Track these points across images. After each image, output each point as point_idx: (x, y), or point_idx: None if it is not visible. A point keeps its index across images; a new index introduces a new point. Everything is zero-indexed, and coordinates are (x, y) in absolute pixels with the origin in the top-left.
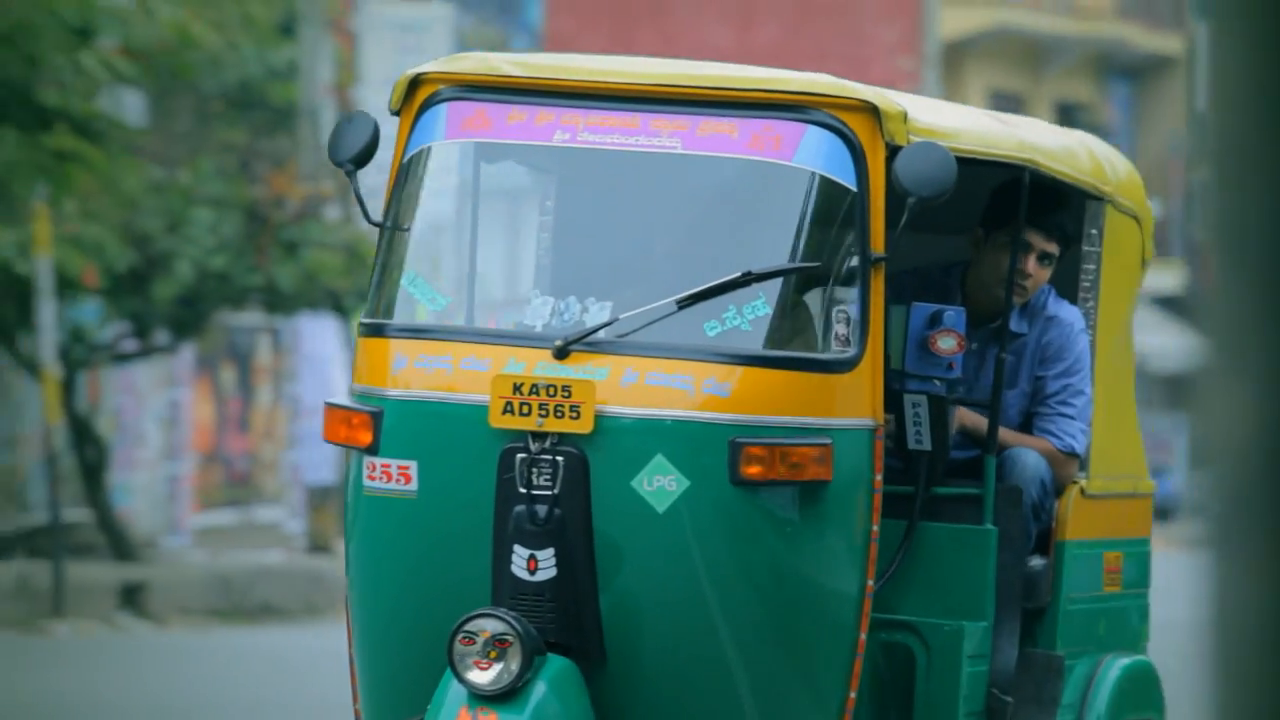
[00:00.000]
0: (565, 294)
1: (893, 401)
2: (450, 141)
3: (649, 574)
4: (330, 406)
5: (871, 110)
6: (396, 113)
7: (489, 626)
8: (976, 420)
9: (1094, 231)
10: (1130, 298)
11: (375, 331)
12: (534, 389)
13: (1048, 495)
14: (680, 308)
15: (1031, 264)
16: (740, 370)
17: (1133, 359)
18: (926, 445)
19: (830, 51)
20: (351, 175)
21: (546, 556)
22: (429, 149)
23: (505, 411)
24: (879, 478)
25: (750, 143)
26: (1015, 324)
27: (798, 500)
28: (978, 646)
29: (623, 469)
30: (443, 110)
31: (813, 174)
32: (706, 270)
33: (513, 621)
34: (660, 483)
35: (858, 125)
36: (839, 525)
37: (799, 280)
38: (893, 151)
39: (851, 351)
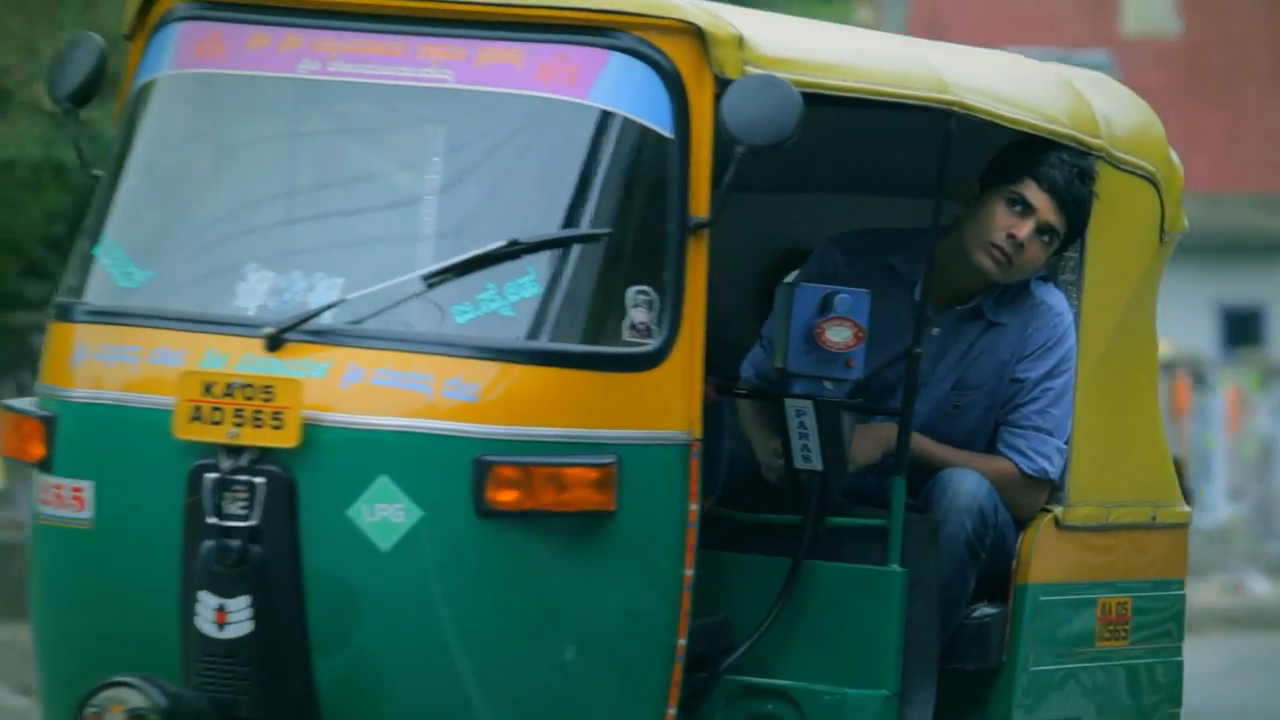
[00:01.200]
0: (289, 268)
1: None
2: (177, 73)
3: (376, 629)
4: (4, 410)
5: (695, 33)
6: (129, 37)
7: (125, 698)
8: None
9: None
10: (1137, 279)
11: (62, 314)
12: (228, 390)
13: (991, 529)
14: (429, 286)
15: (1027, 230)
16: (493, 367)
17: (1149, 355)
18: (816, 464)
19: None
20: (70, 115)
21: (240, 607)
22: (153, 83)
23: (193, 419)
24: (694, 508)
25: (538, 74)
26: (991, 309)
27: (570, 537)
28: None
29: (338, 495)
30: (174, 33)
31: (613, 115)
32: (475, 240)
33: (159, 692)
34: (385, 512)
35: (677, 53)
36: (632, 570)
37: (587, 252)
38: (724, 87)
39: (653, 343)
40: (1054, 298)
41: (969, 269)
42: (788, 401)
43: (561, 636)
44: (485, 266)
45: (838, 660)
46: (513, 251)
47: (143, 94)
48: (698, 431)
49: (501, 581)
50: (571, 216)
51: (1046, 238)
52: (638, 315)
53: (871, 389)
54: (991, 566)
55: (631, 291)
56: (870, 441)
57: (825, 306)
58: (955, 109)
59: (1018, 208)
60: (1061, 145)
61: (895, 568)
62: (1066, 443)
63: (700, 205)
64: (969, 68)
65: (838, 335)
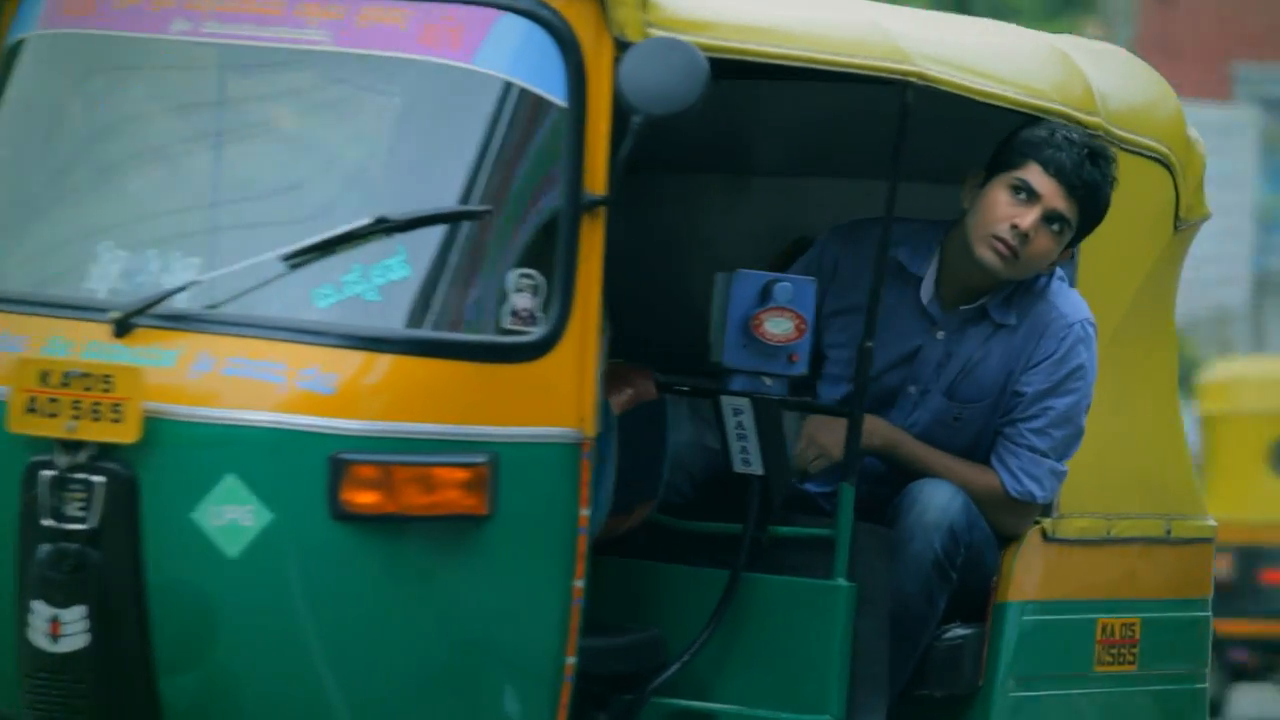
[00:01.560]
0: (144, 247)
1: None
2: (43, 33)
3: (227, 644)
4: None
5: None
6: None
7: None
8: (894, 440)
9: None
10: (1145, 270)
11: None
12: (64, 379)
13: (964, 547)
14: (291, 267)
15: (1031, 219)
16: (353, 356)
17: (1164, 355)
18: (756, 468)
19: None
20: None
21: (75, 618)
22: (21, 43)
23: (29, 410)
24: (585, 513)
25: (422, 37)
26: (999, 311)
27: (438, 543)
28: None
29: (182, 495)
30: None
31: (499, 81)
32: (345, 217)
33: None
34: (233, 515)
35: (573, 13)
36: (511, 581)
37: (464, 231)
38: (625, 51)
39: (536, 333)
40: (1069, 304)
41: (974, 265)
42: (723, 400)
43: (432, 654)
44: (353, 246)
45: (777, 682)
46: (381, 230)
47: (9, 56)
48: (590, 430)
49: (361, 592)
50: (450, 192)
51: (1056, 227)
52: (520, 301)
53: (873, 394)
54: (971, 584)
55: (513, 275)
56: (841, 438)
57: (765, 296)
58: (912, 80)
59: (1022, 195)
60: (1069, 125)
61: (841, 582)
62: (1064, 468)
63: (597, 181)
64: (935, 35)
65: (777, 327)
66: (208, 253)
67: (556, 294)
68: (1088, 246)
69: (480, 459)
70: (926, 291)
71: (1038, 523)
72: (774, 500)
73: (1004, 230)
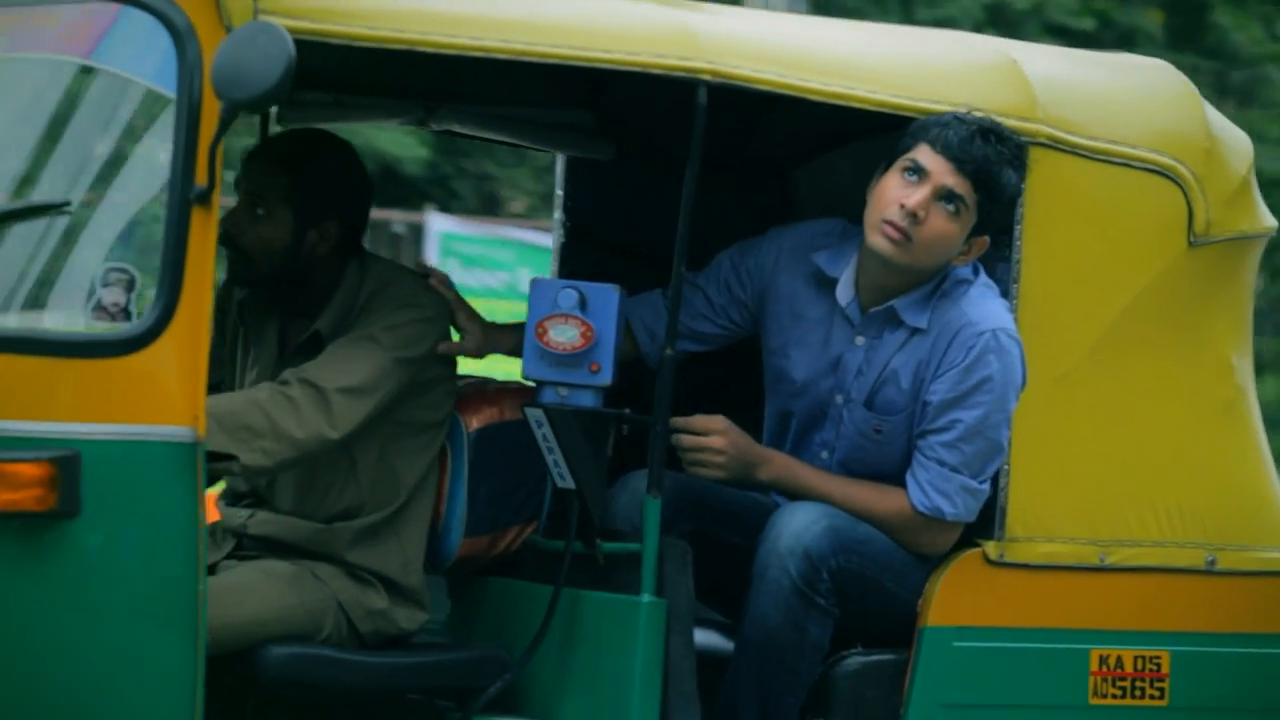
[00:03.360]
0: None
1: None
2: None
3: None
4: None
5: None
6: None
7: None
8: (787, 473)
9: None
10: (1140, 283)
11: None
12: None
13: (830, 572)
14: None
15: (919, 197)
16: None
17: (1203, 371)
18: (569, 482)
19: None
20: None
21: None
22: None
23: None
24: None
25: (62, 35)
26: (910, 313)
27: (15, 543)
28: None
29: None
30: None
31: (105, 73)
32: None
33: None
34: None
35: (191, 5)
36: (107, 583)
37: (47, 226)
38: None
39: (131, 327)
40: (982, 311)
41: (876, 263)
42: (527, 412)
43: (23, 659)
44: None
45: (591, 699)
46: None
47: None
48: (204, 430)
49: None
50: (53, 187)
51: (952, 207)
52: (109, 295)
53: (804, 405)
54: (874, 609)
55: (103, 269)
56: (739, 461)
57: (553, 304)
58: (703, 78)
59: (913, 176)
60: (966, 112)
61: (645, 597)
62: (984, 484)
63: (204, 172)
64: (767, 30)
65: (561, 335)
66: None
67: (161, 287)
68: (1033, 254)
69: (54, 454)
70: (844, 294)
71: (977, 545)
72: (593, 514)
73: (893, 212)
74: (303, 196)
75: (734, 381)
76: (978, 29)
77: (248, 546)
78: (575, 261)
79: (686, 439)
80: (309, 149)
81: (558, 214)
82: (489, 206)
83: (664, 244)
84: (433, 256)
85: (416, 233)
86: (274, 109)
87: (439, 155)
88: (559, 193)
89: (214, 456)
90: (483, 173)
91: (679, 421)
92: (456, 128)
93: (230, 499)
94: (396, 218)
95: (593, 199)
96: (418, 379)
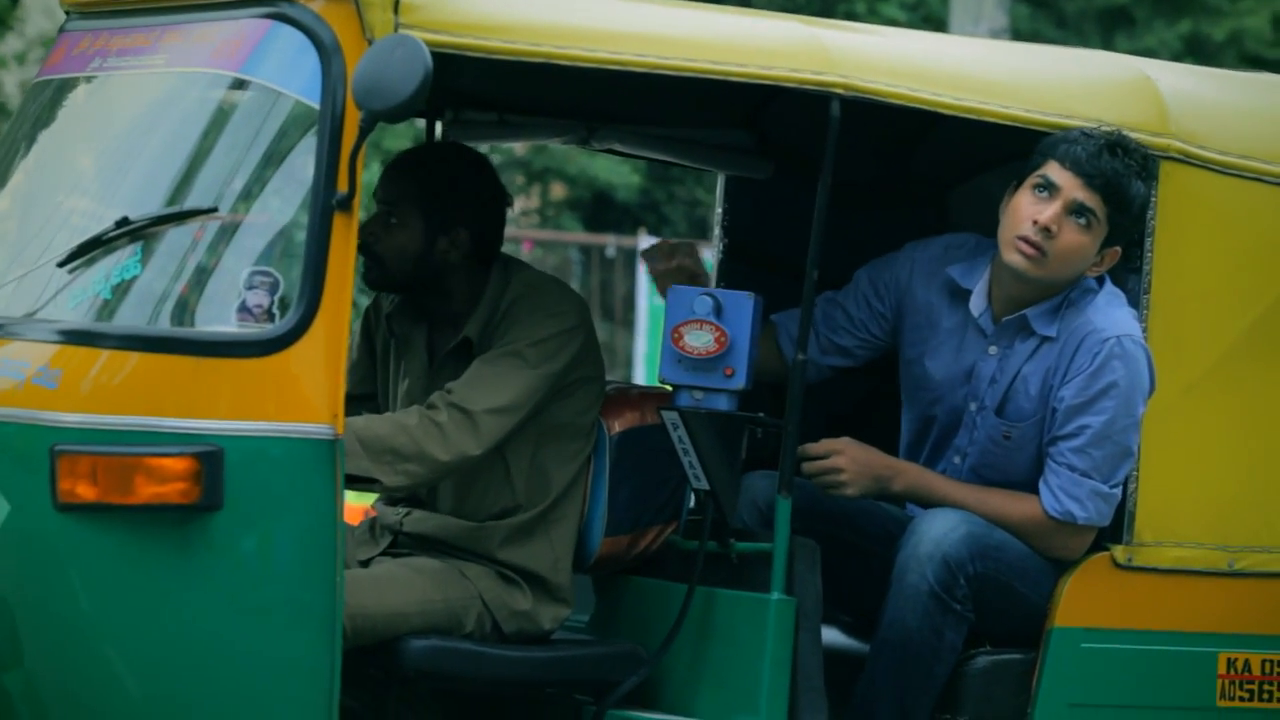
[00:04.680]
0: None
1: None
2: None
3: None
4: None
5: None
6: None
7: None
8: (920, 483)
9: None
10: (1270, 297)
11: None
12: None
13: (967, 579)
14: (69, 271)
15: (1052, 212)
16: (78, 352)
17: None
18: (704, 483)
19: None
20: None
21: None
22: None
23: None
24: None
25: (215, 51)
26: (1040, 322)
27: (159, 534)
28: None
29: None
30: None
31: (254, 85)
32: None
33: None
34: None
35: (335, 18)
36: (251, 573)
37: (198, 231)
38: None
39: (274, 329)
40: (1108, 318)
41: (1010, 274)
42: (663, 415)
43: (169, 646)
44: (107, 250)
45: (722, 695)
46: (125, 233)
47: None
48: (342, 428)
49: (84, 583)
50: (204, 195)
51: (1083, 221)
52: (253, 298)
53: (941, 414)
54: (1010, 612)
55: (247, 273)
56: (866, 475)
57: (689, 310)
58: (836, 91)
59: (1043, 192)
60: (1093, 126)
61: (775, 595)
62: (1115, 488)
63: (345, 180)
64: (901, 46)
65: (696, 340)
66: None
67: (305, 291)
68: (1163, 267)
69: (200, 450)
70: (977, 305)
71: (1106, 549)
72: (727, 515)
73: (1027, 229)
74: (432, 203)
75: (884, 399)
76: (1175, 58)
77: (403, 544)
78: (733, 278)
79: (811, 465)
80: (439, 158)
81: (716, 231)
82: (699, 230)
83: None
84: (643, 278)
85: (629, 256)
86: (439, 128)
87: (651, 182)
88: (718, 210)
89: (356, 478)
90: (693, 199)
91: (805, 449)
92: (618, 147)
93: (388, 499)
94: (610, 241)
95: (751, 217)
96: (563, 383)
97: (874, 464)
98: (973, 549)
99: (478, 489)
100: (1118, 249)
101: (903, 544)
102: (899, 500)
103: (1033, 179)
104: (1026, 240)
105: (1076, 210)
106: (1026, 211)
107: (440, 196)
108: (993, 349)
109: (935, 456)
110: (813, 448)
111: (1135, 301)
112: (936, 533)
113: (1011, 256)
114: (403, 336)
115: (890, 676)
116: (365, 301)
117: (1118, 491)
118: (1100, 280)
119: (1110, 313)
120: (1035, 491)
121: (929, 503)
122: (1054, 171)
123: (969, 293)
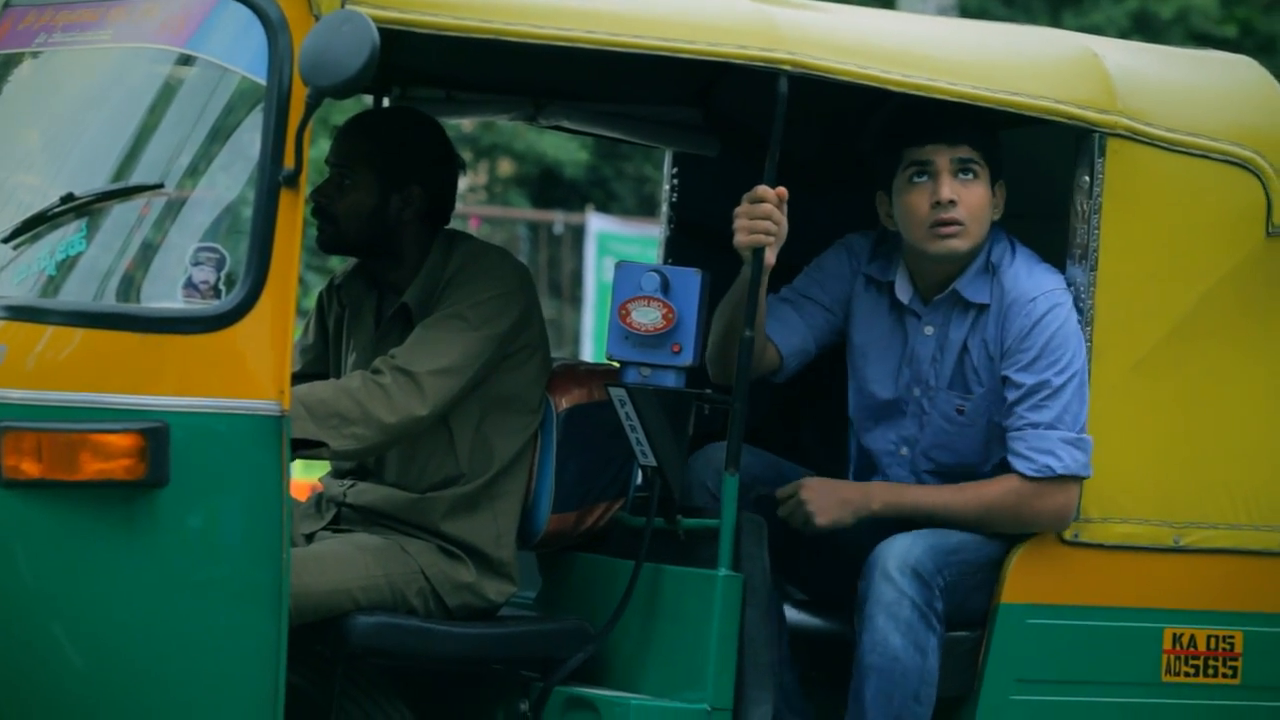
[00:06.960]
0: None
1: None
2: None
3: None
4: None
5: None
6: None
7: None
8: (892, 499)
9: (1085, 175)
10: (1216, 274)
11: None
12: None
13: (942, 591)
14: (13, 247)
15: (949, 186)
16: (22, 329)
17: (1274, 359)
18: (650, 460)
19: None
20: None
21: None
22: None
23: None
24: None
25: (162, 26)
26: (970, 289)
27: (104, 510)
28: None
29: None
30: None
31: (199, 61)
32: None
33: None
34: None
35: None
36: (196, 549)
37: (143, 207)
38: None
39: (220, 305)
40: (1029, 278)
41: (932, 262)
42: (610, 391)
43: (114, 623)
44: (52, 226)
45: (669, 671)
46: (70, 209)
47: None
48: (289, 404)
49: (29, 560)
50: (148, 170)
51: (970, 174)
52: (199, 274)
53: (884, 406)
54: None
55: (193, 249)
56: (833, 502)
57: (637, 286)
58: (784, 68)
59: (923, 177)
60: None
61: (722, 571)
62: (1080, 429)
63: (291, 156)
64: (850, 23)
65: (644, 317)
66: None
67: (251, 267)
68: (1110, 244)
69: (144, 426)
70: (904, 292)
71: (1071, 524)
72: (674, 492)
73: (936, 212)
74: (385, 160)
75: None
76: (1123, 36)
77: (347, 517)
78: (681, 254)
79: (781, 509)
80: (391, 118)
81: (664, 208)
82: (646, 207)
83: None
84: (591, 255)
85: (576, 233)
86: (386, 105)
87: (599, 159)
88: (666, 187)
89: (303, 443)
90: (641, 175)
91: (777, 494)
92: (566, 123)
93: (335, 471)
94: (557, 218)
95: (699, 194)
96: (506, 350)
97: (839, 490)
98: (937, 560)
99: (421, 457)
100: (1002, 181)
101: (867, 571)
102: (880, 521)
103: (905, 174)
104: (942, 222)
105: (961, 169)
106: (922, 200)
107: (393, 154)
108: (929, 329)
109: (878, 446)
110: (780, 492)
111: (1084, 280)
112: (899, 549)
113: (938, 245)
114: (353, 307)
115: (880, 705)
116: (313, 279)
117: (1087, 438)
118: (1012, 245)
119: (1032, 272)
120: (991, 475)
121: (907, 514)
122: (917, 154)
123: (890, 284)
